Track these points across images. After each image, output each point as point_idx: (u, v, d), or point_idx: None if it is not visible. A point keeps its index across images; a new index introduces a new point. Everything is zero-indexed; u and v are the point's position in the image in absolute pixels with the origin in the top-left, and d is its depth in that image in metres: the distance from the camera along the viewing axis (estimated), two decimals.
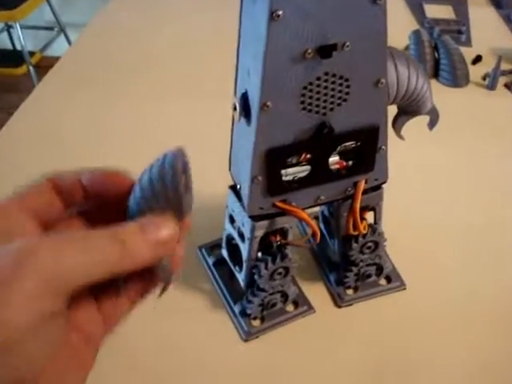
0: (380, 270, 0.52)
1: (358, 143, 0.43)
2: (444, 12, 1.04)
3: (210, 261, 0.55)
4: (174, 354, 0.47)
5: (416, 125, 0.47)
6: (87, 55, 0.95)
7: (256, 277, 0.46)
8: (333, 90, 0.39)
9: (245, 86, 0.39)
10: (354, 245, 0.49)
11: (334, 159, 0.43)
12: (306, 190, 0.44)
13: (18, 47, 2.21)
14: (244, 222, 0.45)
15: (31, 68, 2.15)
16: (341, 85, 0.39)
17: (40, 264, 0.21)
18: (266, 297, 0.48)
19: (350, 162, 0.44)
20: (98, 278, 0.23)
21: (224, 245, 0.51)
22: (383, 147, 0.44)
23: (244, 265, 0.47)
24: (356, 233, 0.48)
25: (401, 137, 0.48)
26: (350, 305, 0.52)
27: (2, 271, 0.21)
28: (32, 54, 2.23)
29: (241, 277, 0.48)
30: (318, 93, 0.38)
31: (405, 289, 0.53)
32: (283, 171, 0.42)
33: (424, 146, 0.70)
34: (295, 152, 0.41)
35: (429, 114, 0.48)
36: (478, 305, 0.52)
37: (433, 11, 1.04)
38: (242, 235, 0.46)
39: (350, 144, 0.43)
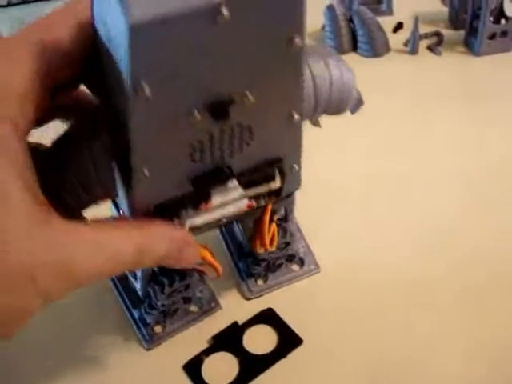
0: (291, 257, 0.49)
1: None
2: None
3: None
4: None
5: None
6: None
7: (153, 297, 0.42)
8: (231, 140, 0.33)
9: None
10: None
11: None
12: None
13: None
14: None
15: None
16: (241, 132, 0.33)
17: None
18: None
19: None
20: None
21: None
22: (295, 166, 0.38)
23: (139, 281, 0.43)
24: (262, 250, 0.45)
25: (317, 124, 0.42)
26: (260, 296, 0.48)
27: None
28: None
29: (137, 286, 0.44)
30: (212, 146, 0.32)
31: (319, 272, 0.50)
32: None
33: (347, 124, 0.67)
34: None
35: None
36: (398, 289, 0.48)
37: None
38: None
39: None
